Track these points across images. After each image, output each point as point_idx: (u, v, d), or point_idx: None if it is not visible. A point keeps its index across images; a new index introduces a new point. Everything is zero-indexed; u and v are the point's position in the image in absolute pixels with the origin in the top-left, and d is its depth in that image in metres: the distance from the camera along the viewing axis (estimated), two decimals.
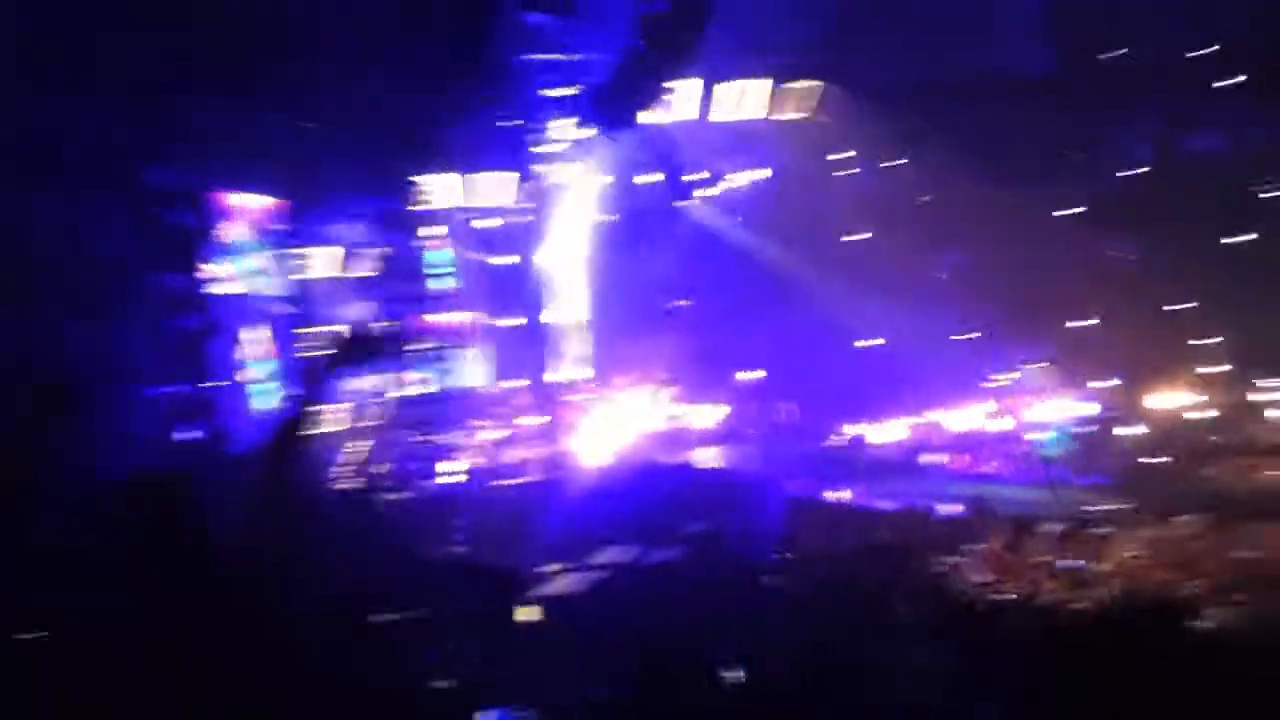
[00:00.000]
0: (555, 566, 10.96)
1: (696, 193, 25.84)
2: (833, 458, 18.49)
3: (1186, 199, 25.27)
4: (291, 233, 17.67)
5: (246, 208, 18.00)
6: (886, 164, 27.02)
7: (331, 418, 16.89)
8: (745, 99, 20.92)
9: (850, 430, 20.28)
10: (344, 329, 18.78)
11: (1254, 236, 24.92)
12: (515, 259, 23.57)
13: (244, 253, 18.17)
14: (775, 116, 21.54)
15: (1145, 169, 27.36)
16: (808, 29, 20.24)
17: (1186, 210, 25.27)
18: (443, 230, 18.95)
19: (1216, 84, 25.19)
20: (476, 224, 23.50)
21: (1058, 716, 6.36)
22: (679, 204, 25.35)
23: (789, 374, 23.31)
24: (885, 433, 20.33)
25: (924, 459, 19.29)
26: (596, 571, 10.89)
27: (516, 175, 21.50)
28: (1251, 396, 21.68)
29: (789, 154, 24.08)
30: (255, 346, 17.79)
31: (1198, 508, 13.55)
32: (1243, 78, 25.59)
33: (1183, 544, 12.17)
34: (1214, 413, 21.42)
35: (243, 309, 17.48)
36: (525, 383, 22.16)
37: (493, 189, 21.84)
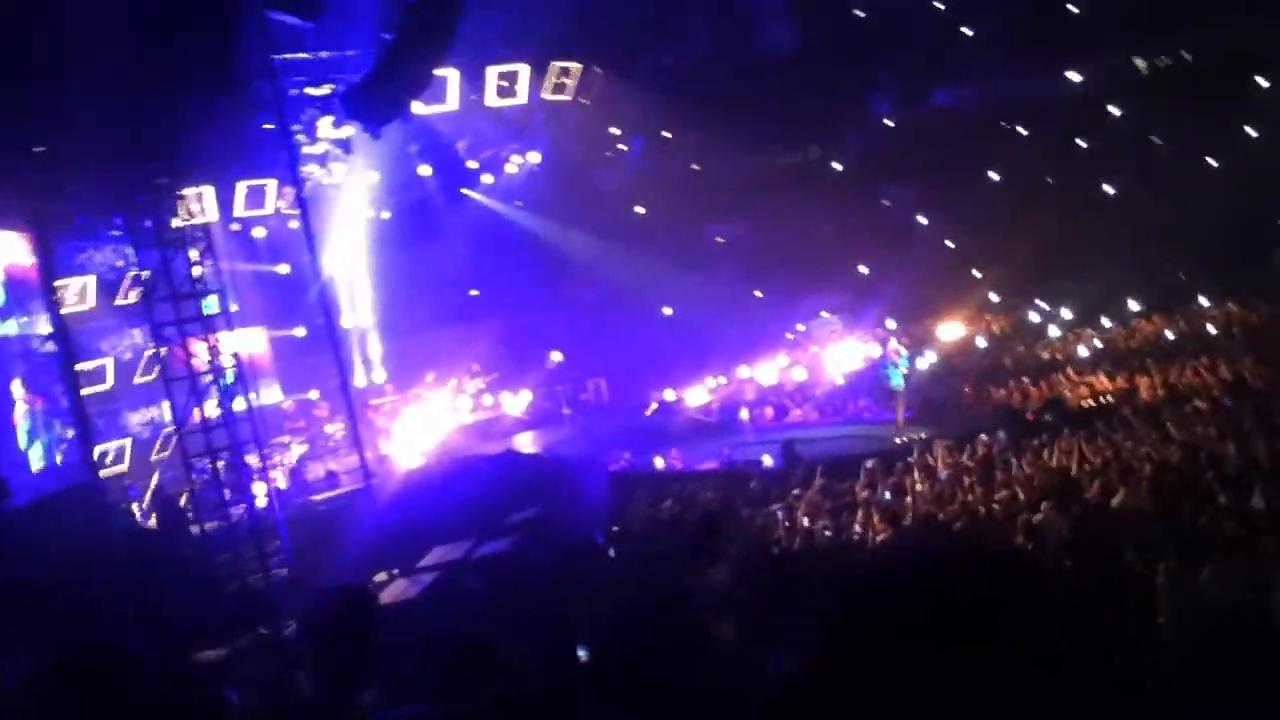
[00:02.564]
0: (382, 575, 10.45)
1: (472, 182, 25.42)
2: (648, 427, 18.52)
3: (938, 148, 26.78)
4: (43, 266, 16.25)
5: None
6: (654, 141, 27.45)
7: (117, 456, 15.77)
8: (507, 84, 20.57)
9: (662, 397, 20.37)
10: (110, 362, 17.53)
11: (996, 178, 26.67)
12: (287, 268, 22.54)
13: None
14: (541, 98, 21.32)
15: (893, 124, 28.86)
16: (562, 14, 20.10)
17: (940, 159, 26.79)
18: (203, 245, 17.84)
19: (965, 34, 26.63)
20: (243, 234, 22.38)
21: (875, 655, 6.38)
22: (456, 193, 24.85)
23: (593, 351, 23.28)
24: (695, 396, 20.56)
25: (735, 416, 19.57)
26: (427, 573, 10.44)
27: (276, 181, 20.50)
28: (1027, 318, 23.11)
29: (558, 136, 23.95)
30: (21, 393, 16.42)
31: (992, 428, 14.21)
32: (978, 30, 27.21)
33: (984, 463, 12.69)
34: (993, 338, 22.73)
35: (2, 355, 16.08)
36: (317, 394, 21.27)
37: (256, 197, 20.78)
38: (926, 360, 19.75)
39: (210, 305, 14.92)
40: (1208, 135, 24.10)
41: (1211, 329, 19.10)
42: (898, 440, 15.67)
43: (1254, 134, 23.78)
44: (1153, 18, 23.29)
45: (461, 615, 9.01)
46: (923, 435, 15.46)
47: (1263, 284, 20.77)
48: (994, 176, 26.69)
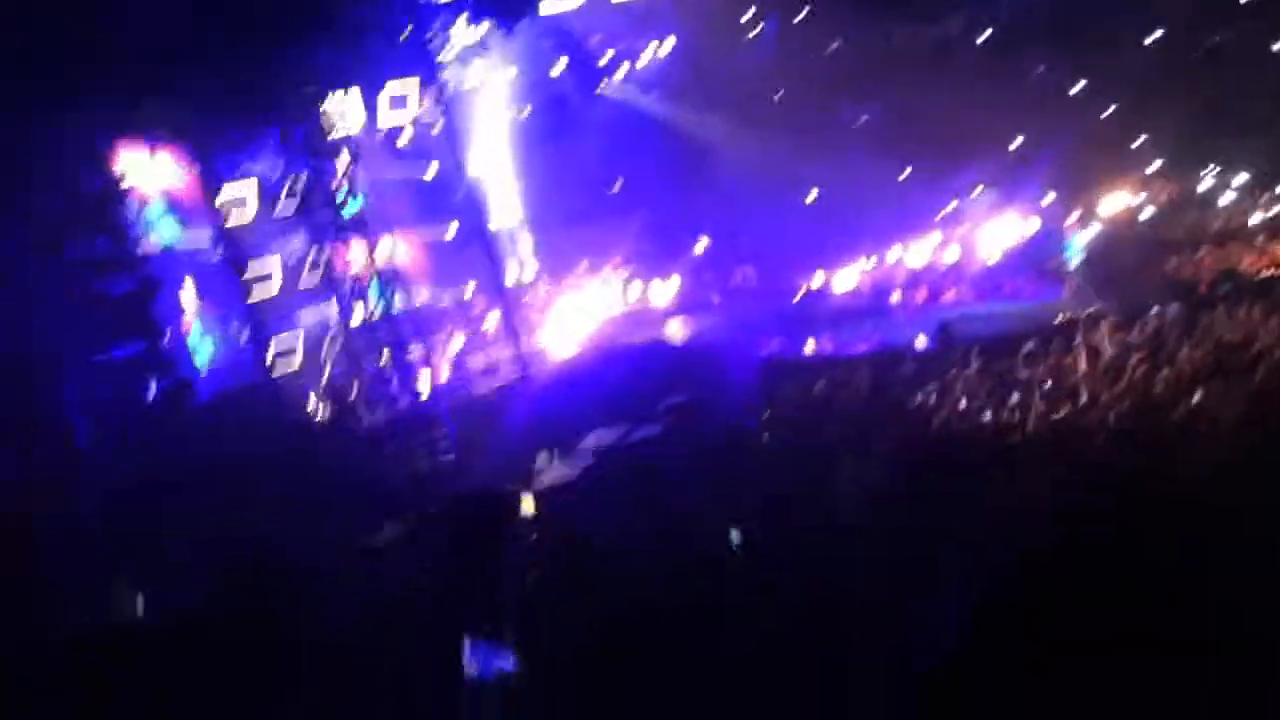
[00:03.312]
0: (544, 455, 10.77)
1: (608, 75, 25.23)
2: (798, 312, 18.36)
3: (1090, 9, 25.25)
4: (205, 178, 16.96)
5: (152, 159, 17.29)
6: (788, 21, 26.70)
7: (289, 354, 16.54)
8: None
9: (810, 282, 20.13)
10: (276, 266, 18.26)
11: (1159, 35, 24.98)
12: (434, 169, 22.90)
13: (159, 207, 17.48)
14: None
15: None
16: None
17: (1090, 20, 25.27)
18: (353, 151, 18.28)
19: None
20: (388, 140, 22.78)
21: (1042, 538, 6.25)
22: (593, 88, 24.73)
23: (738, 237, 23.10)
24: (845, 280, 20.23)
25: (887, 298, 19.22)
26: (583, 457, 10.72)
27: (417, 82, 20.71)
28: (1197, 184, 21.86)
29: (688, 22, 23.49)
30: (194, 299, 17.29)
31: (1164, 300, 13.59)
32: None
33: (1155, 337, 12.18)
34: (1161, 208, 21.60)
35: (171, 263, 16.90)
36: (472, 289, 21.72)
37: (399, 102, 21.05)
38: (1092, 233, 18.89)
39: (362, 208, 15.39)
40: None
41: None
42: (1060, 318, 15.13)
43: None
44: None
45: (619, 497, 9.23)
46: (1088, 312, 14.88)
47: None
48: (1152, 36, 25.03)
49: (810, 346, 16.90)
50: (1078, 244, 17.32)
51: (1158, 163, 23.42)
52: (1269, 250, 16.25)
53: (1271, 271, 15.19)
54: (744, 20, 26.32)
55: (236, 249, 16.64)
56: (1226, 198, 20.39)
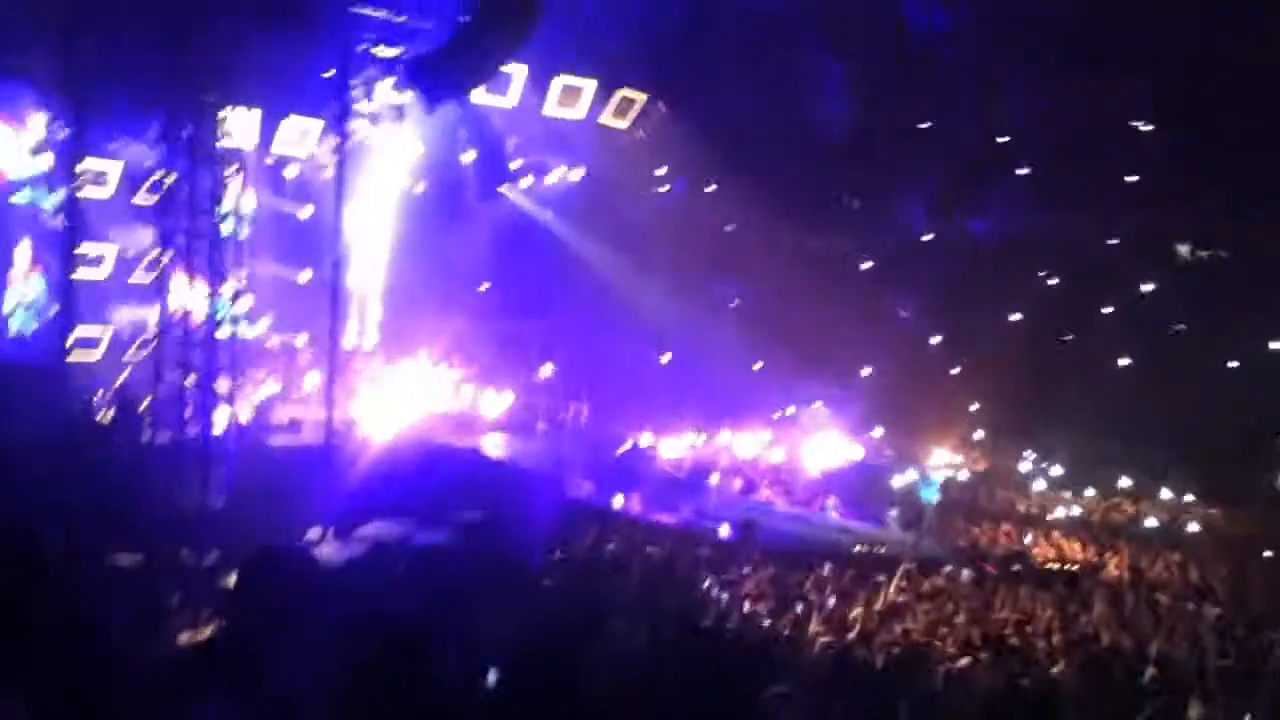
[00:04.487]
0: (316, 531, 10.23)
1: (513, 180, 25.37)
2: (616, 464, 18.31)
3: (967, 272, 26.90)
4: (73, 141, 16.12)
5: (18, 113, 16.51)
6: (696, 188, 27.62)
7: (93, 345, 15.58)
8: (570, 96, 20.52)
9: (638, 439, 20.17)
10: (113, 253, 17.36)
11: (1019, 317, 26.73)
12: (310, 210, 22.41)
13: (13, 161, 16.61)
14: (597, 120, 21.26)
15: (930, 236, 29.07)
16: (640, 41, 20.19)
17: (966, 285, 26.91)
18: (236, 167, 17.74)
19: (1008, 170, 26.97)
20: (277, 168, 22.26)
21: None
22: (494, 188, 24.79)
23: (582, 374, 23.12)
24: (671, 448, 20.35)
25: (705, 478, 19.36)
26: (358, 544, 10.21)
27: (322, 123, 20.38)
28: (1016, 464, 23.02)
29: (605, 159, 23.97)
30: (25, 261, 16.28)
31: (959, 563, 14.04)
32: (1027, 169, 27.56)
33: (944, 596, 12.52)
34: (977, 477, 22.63)
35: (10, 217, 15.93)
36: (304, 340, 21.03)
37: (298, 135, 20.64)
38: (956, 481, 19.62)
39: (225, 227, 14.82)
40: (1233, 335, 24.13)
41: (1193, 527, 19.01)
42: (859, 549, 15.49)
43: (1276, 346, 23.81)
44: (1200, 205, 23.47)
45: (382, 594, 8.79)
46: (888, 552, 15.29)
47: (1253, 498, 20.72)
48: (1014, 316, 26.72)
49: (619, 502, 16.82)
50: (935, 483, 18.18)
51: (981, 433, 24.69)
52: (1059, 545, 17.10)
53: (1055, 565, 15.93)
54: (656, 174, 27.03)
55: (79, 222, 15.77)
56: (1038, 485, 21.51)
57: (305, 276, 21.75)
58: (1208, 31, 21.93)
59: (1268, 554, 17.13)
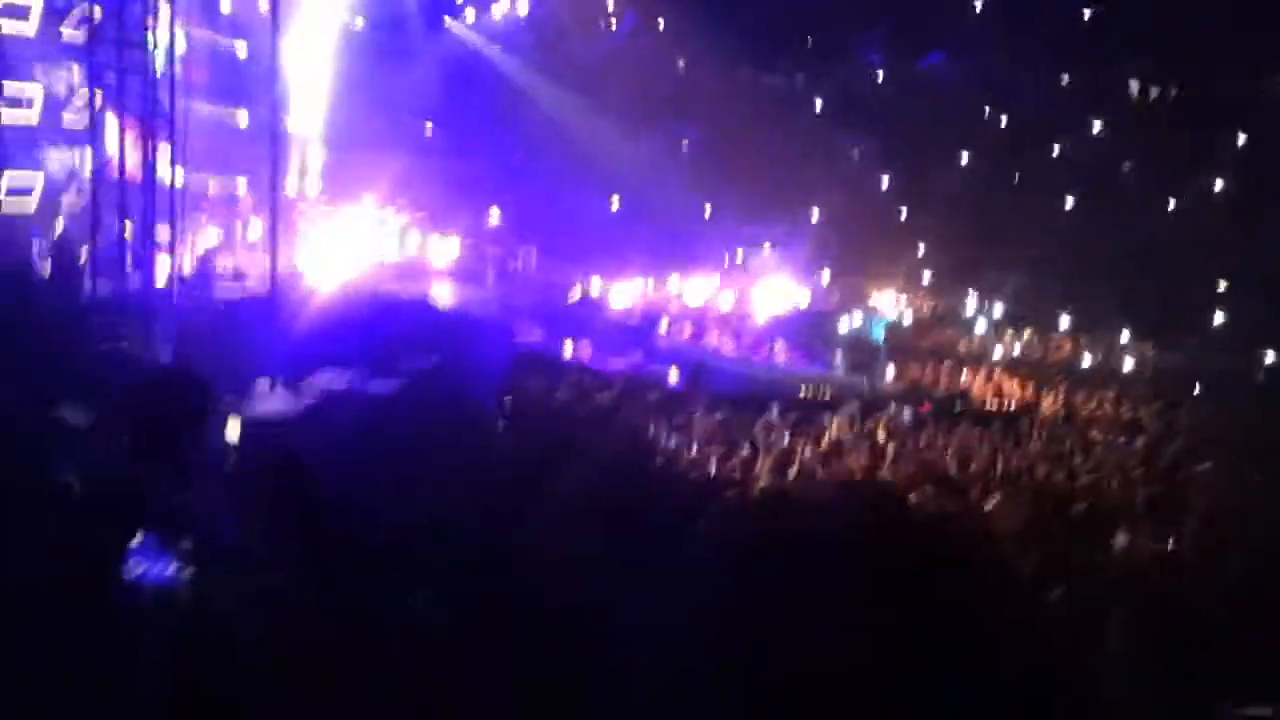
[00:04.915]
0: (265, 381, 10.18)
1: (456, 13, 24.55)
2: (566, 312, 18.31)
3: (918, 114, 26.70)
4: None
5: None
6: (646, 24, 26.92)
7: (25, 193, 15.08)
8: None
9: (588, 287, 20.12)
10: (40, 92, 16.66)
11: (965, 160, 26.73)
12: (245, 47, 21.55)
13: None
14: None
15: (881, 76, 28.73)
16: None
17: (919, 126, 26.74)
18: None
19: (968, 7, 26.53)
20: (212, 2, 21.31)
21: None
22: (437, 20, 23.98)
23: (532, 218, 22.86)
24: (620, 296, 20.33)
25: (654, 324, 19.44)
26: (309, 394, 10.21)
27: None
28: (960, 305, 23.35)
29: None
30: None
31: (901, 403, 14.34)
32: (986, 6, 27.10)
33: (890, 436, 12.83)
34: (921, 318, 22.93)
35: None
36: (244, 185, 20.51)
37: None
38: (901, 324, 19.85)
39: (159, 63, 14.25)
40: (1179, 176, 24.36)
41: (1128, 363, 19.52)
42: (805, 393, 15.73)
43: (1220, 186, 24.10)
44: (1155, 46, 23.37)
45: (328, 441, 8.87)
46: (835, 394, 15.56)
47: (1190, 336, 21.27)
48: (964, 158, 26.73)
49: (569, 350, 16.89)
50: (885, 322, 18.53)
51: (928, 274, 24.96)
52: (998, 385, 17.51)
53: (995, 403, 16.37)
54: (606, 7, 26.28)
55: (2, 61, 15.06)
56: (980, 326, 21.88)
57: (243, 117, 21.06)
58: None
59: (1197, 390, 17.71)
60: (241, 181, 20.49)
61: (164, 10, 14.50)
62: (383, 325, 12.80)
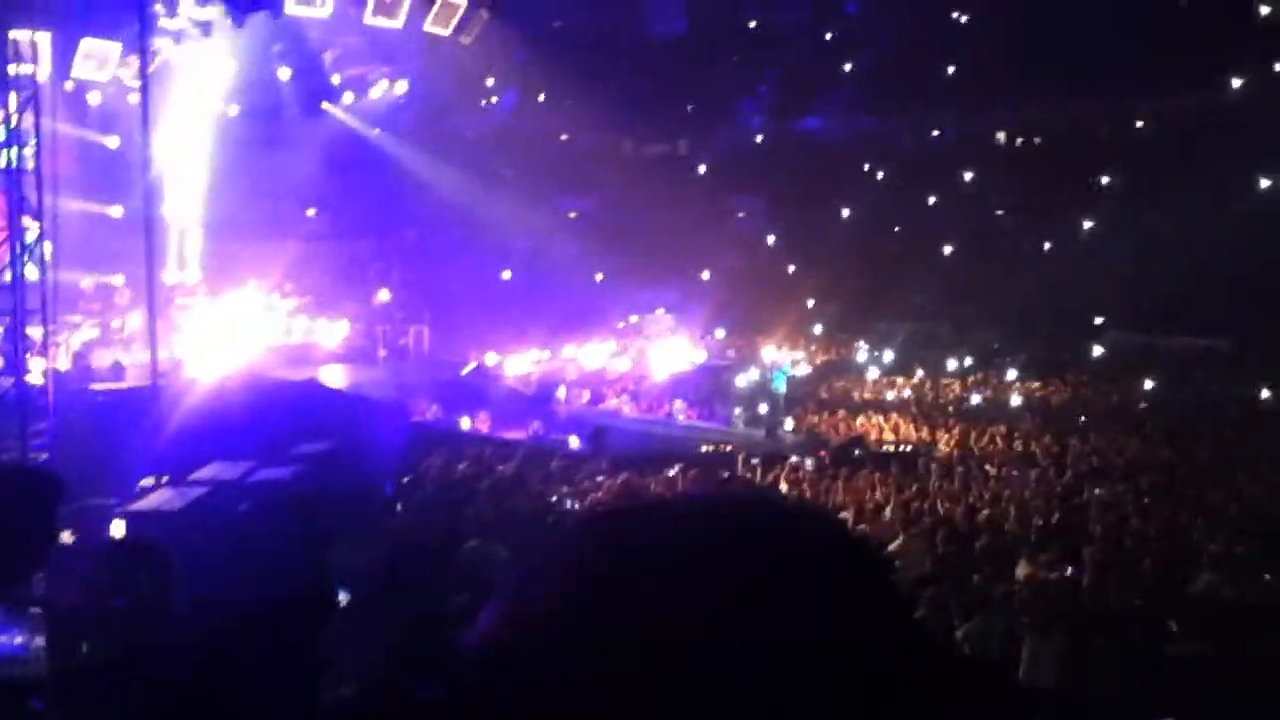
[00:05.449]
0: (150, 480, 9.83)
1: (334, 98, 24.42)
2: (461, 385, 18.09)
3: (800, 172, 27.46)
4: None
5: None
6: (528, 98, 27.20)
7: None
8: (389, 3, 19.58)
9: (482, 359, 19.94)
10: None
11: (846, 213, 27.51)
12: (117, 141, 21.11)
13: None
14: (422, 27, 20.39)
15: (762, 138, 29.52)
16: None
17: (798, 183, 27.49)
18: (28, 94, 16.49)
19: (840, 68, 27.48)
20: (80, 95, 20.88)
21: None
22: (314, 105, 23.82)
23: (422, 297, 22.61)
24: (516, 365, 20.17)
25: (552, 393, 19.33)
26: (198, 487, 9.85)
27: (122, 46, 19.07)
28: (853, 354, 23.78)
29: (432, 71, 23.20)
30: None
31: (802, 453, 14.52)
32: (858, 67, 28.14)
33: (788, 485, 12.98)
34: (817, 369, 23.32)
35: None
36: (122, 280, 19.95)
37: (97, 59, 19.29)
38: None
39: (24, 159, 13.82)
40: (1050, 217, 25.40)
41: (1015, 400, 20.05)
42: (707, 449, 15.80)
43: (1089, 225, 25.18)
44: (1018, 95, 24.49)
45: (223, 535, 8.56)
46: (729, 449, 15.66)
47: (1072, 371, 22.00)
48: (845, 212, 27.50)
49: (466, 423, 16.70)
50: (784, 373, 18.93)
51: (819, 327, 25.43)
52: (894, 427, 17.83)
53: (892, 446, 16.63)
54: (486, 84, 26.41)
55: None
56: (872, 373, 22.30)
57: (118, 211, 20.56)
58: None
59: (1083, 419, 18.28)
60: (119, 277, 19.98)
61: (28, 109, 14.12)
62: (271, 412, 12.54)
